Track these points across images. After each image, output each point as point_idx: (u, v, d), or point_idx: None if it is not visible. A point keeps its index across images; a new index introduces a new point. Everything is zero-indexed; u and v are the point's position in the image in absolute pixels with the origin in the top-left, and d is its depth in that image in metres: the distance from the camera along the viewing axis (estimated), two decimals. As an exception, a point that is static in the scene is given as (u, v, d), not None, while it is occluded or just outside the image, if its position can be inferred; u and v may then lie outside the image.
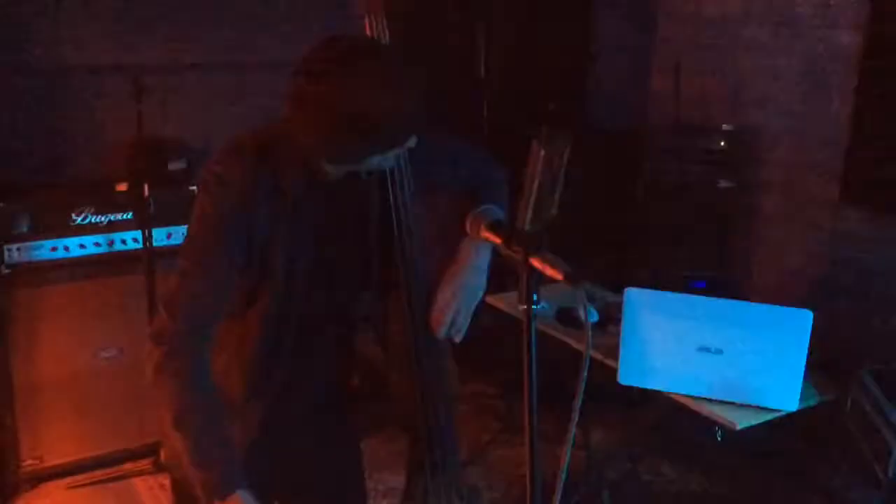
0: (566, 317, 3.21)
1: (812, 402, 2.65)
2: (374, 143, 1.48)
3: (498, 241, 1.35)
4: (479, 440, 3.79)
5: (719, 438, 3.60)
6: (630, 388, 2.74)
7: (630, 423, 3.46)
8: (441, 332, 1.71)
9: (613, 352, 2.76)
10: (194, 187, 3.30)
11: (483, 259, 1.74)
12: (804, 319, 2.41)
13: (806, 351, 2.43)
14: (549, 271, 1.27)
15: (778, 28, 4.45)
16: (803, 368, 2.46)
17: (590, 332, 1.26)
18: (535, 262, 1.28)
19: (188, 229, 1.59)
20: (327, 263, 1.66)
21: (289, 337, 1.69)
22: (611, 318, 3.08)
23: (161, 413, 1.55)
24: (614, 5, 4.88)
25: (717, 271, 4.61)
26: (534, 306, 1.28)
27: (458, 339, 1.74)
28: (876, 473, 2.13)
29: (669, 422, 3.54)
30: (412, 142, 1.53)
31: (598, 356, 2.88)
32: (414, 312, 1.70)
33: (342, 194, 1.63)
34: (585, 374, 1.25)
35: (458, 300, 1.71)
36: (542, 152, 4.57)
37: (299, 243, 1.61)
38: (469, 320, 1.74)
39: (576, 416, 1.27)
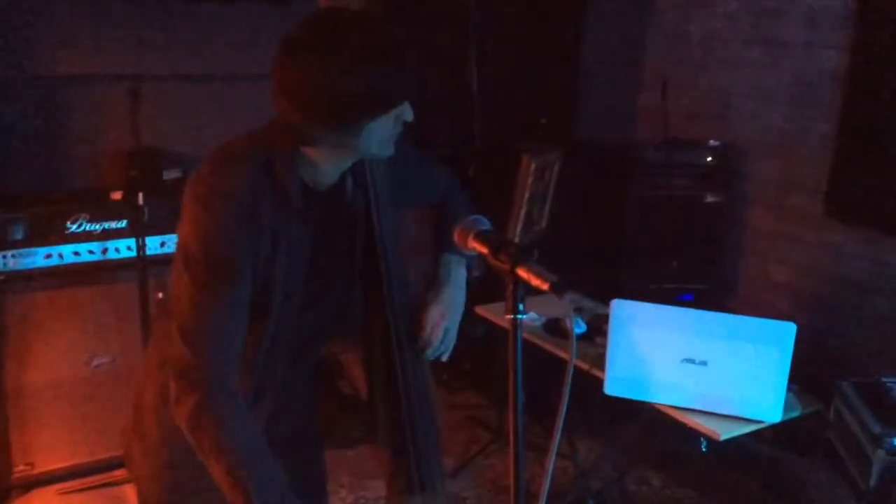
0: (554, 327, 3.25)
1: (795, 414, 2.69)
2: (395, 74, 1.42)
3: (485, 251, 1.38)
4: (468, 450, 3.82)
5: (704, 449, 3.65)
6: (617, 398, 2.78)
7: (617, 434, 3.49)
8: (432, 353, 1.72)
9: (600, 362, 2.80)
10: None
11: (462, 275, 1.74)
12: (788, 332, 2.46)
13: (789, 363, 2.47)
14: (536, 282, 1.30)
15: (765, 47, 4.53)
16: (787, 380, 2.50)
17: (574, 343, 1.29)
18: (522, 273, 1.31)
19: (186, 249, 1.47)
20: (320, 279, 1.62)
21: (282, 358, 1.62)
22: (598, 329, 3.12)
23: (208, 463, 1.44)
24: (604, 22, 4.95)
25: (705, 284, 4.66)
26: (520, 316, 1.31)
27: (445, 358, 1.75)
28: (858, 484, 2.17)
29: (656, 432, 3.57)
30: (409, 114, 1.50)
31: (585, 367, 2.92)
32: (397, 330, 1.67)
33: (332, 206, 1.60)
34: (570, 383, 1.28)
35: (446, 320, 1.72)
36: (533, 166, 4.62)
37: (298, 256, 1.55)
38: (455, 338, 1.76)
39: (560, 426, 1.30)
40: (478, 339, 3.72)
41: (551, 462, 1.30)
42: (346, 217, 1.63)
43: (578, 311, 3.46)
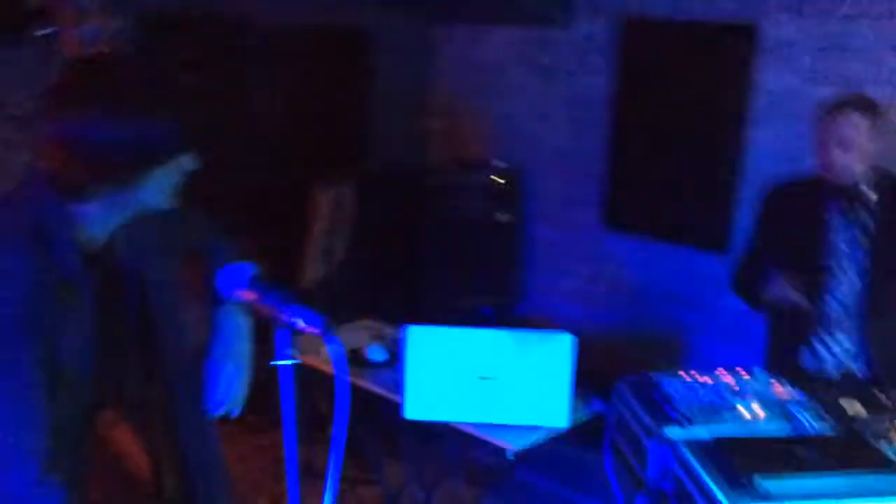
0: (356, 357, 3.27)
1: (583, 417, 2.88)
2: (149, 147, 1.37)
3: (252, 297, 1.38)
4: (278, 489, 3.75)
5: (510, 457, 3.80)
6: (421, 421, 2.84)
7: (426, 455, 3.57)
8: (223, 410, 1.66)
9: (402, 388, 2.85)
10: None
11: (242, 323, 1.67)
12: (566, 342, 2.63)
13: (570, 370, 2.64)
14: (303, 325, 1.31)
15: (541, 73, 4.83)
16: (570, 387, 2.67)
17: (344, 369, 1.30)
18: (289, 317, 1.32)
19: None
20: (102, 346, 1.51)
21: (71, 433, 1.50)
22: (400, 354, 3.18)
23: None
24: (391, 51, 5.08)
25: (501, 298, 4.89)
26: (291, 361, 1.32)
27: (235, 413, 1.69)
28: (637, 473, 2.35)
29: (468, 448, 3.68)
30: (191, 163, 1.44)
31: (385, 393, 2.97)
32: (178, 396, 1.60)
33: (106, 268, 1.50)
34: (345, 409, 1.30)
35: (241, 375, 1.67)
36: (327, 199, 4.66)
37: (83, 329, 1.45)
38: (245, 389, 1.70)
39: (337, 448, 1.31)
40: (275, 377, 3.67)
41: (328, 489, 1.31)
42: (119, 278, 1.54)
43: (380, 338, 3.51)
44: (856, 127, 2.59)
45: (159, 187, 1.42)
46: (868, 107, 2.63)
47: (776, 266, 2.95)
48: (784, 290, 2.75)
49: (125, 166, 1.37)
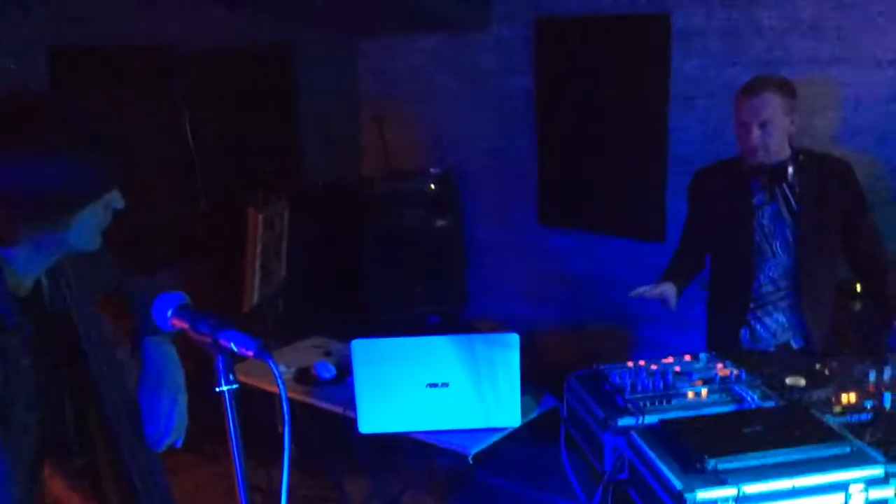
0: (306, 376, 3.24)
1: (534, 415, 2.89)
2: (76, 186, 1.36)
3: (185, 325, 1.35)
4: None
5: (471, 461, 3.81)
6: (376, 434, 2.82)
7: (386, 467, 3.55)
8: (166, 444, 1.64)
9: (353, 404, 2.83)
10: None
11: (174, 352, 1.67)
12: (512, 342, 2.63)
13: (517, 370, 2.65)
14: (240, 349, 1.29)
15: (464, 77, 4.86)
16: (518, 386, 2.68)
17: (283, 391, 1.28)
18: (224, 343, 1.30)
19: None
20: (43, 392, 1.48)
21: (22, 479, 1.48)
22: (348, 370, 3.15)
23: None
24: (316, 65, 5.05)
25: (447, 304, 4.89)
26: (230, 387, 1.30)
27: (179, 444, 1.67)
28: (595, 466, 2.37)
29: (429, 456, 3.67)
30: (119, 202, 1.44)
31: (338, 409, 2.94)
32: (117, 433, 1.57)
33: (35, 312, 1.48)
34: (288, 428, 1.28)
35: (178, 404, 1.65)
36: (261, 217, 4.55)
37: (21, 376, 1.43)
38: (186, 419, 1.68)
39: (286, 466, 1.32)
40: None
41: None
42: (49, 321, 1.51)
43: (327, 354, 3.48)
44: (773, 107, 2.67)
45: (87, 227, 1.41)
46: (783, 86, 2.71)
47: (707, 248, 3.02)
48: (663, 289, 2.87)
49: (52, 208, 1.35)
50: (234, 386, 1.32)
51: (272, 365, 1.29)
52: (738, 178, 2.83)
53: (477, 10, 4.62)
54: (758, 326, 2.88)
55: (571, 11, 4.26)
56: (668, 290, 2.87)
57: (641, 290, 2.86)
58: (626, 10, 4.06)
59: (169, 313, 1.38)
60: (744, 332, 2.89)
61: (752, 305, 2.86)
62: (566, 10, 4.28)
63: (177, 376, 1.66)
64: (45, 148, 1.32)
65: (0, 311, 1.38)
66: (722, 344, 2.85)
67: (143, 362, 1.64)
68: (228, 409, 1.30)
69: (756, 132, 2.68)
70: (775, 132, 2.69)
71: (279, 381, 1.28)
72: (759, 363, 2.50)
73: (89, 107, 1.40)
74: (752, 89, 2.70)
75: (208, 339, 1.32)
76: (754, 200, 2.82)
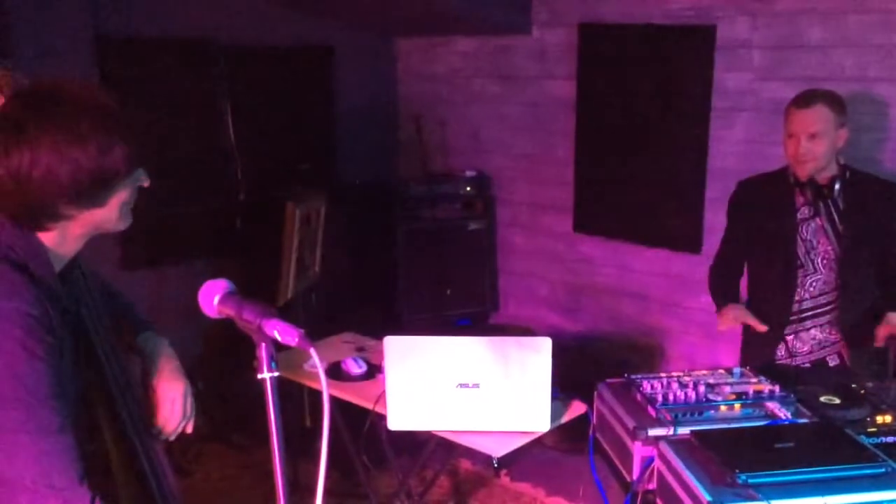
0: (337, 371, 3.26)
1: (563, 420, 2.89)
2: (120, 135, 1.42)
3: (232, 312, 1.38)
4: (264, 508, 3.72)
5: (496, 465, 3.81)
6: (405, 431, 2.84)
7: (411, 465, 3.56)
8: (177, 430, 1.68)
9: (384, 400, 2.85)
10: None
11: (167, 344, 1.73)
12: (545, 346, 2.63)
13: (550, 374, 2.65)
14: (283, 337, 1.31)
15: (503, 81, 4.87)
16: (550, 390, 2.68)
17: (325, 388, 1.30)
18: (269, 330, 1.32)
19: None
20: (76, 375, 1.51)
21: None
22: (379, 367, 3.18)
23: None
24: (356, 65, 5.09)
25: (478, 307, 4.90)
26: (273, 374, 1.32)
27: (190, 430, 1.71)
28: (623, 476, 2.36)
29: (450, 456, 3.69)
30: (146, 179, 1.50)
31: (368, 405, 2.96)
32: (123, 416, 1.59)
33: (70, 294, 1.52)
34: (327, 424, 1.29)
35: (184, 391, 1.69)
36: (298, 212, 4.60)
37: (66, 353, 1.46)
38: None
39: (324, 453, 1.33)
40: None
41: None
42: (67, 311, 1.53)
43: (360, 350, 3.50)
44: (823, 119, 2.65)
45: (118, 205, 1.47)
46: (834, 100, 2.69)
47: (747, 261, 3.00)
48: (738, 314, 2.87)
49: (89, 186, 1.40)
50: (276, 374, 1.34)
51: (314, 354, 1.31)
52: (783, 192, 2.81)
53: (518, 13, 4.62)
54: (795, 342, 2.86)
55: (614, 18, 4.25)
56: (741, 312, 2.89)
57: (727, 325, 2.90)
58: (670, 21, 4.05)
59: (215, 300, 1.40)
60: (780, 348, 2.87)
61: (791, 320, 2.83)
62: (609, 17, 4.28)
63: (177, 364, 1.70)
64: (78, 127, 1.37)
65: (57, 290, 1.42)
66: (757, 359, 2.83)
67: (144, 356, 1.69)
68: (269, 396, 1.32)
69: (805, 143, 2.67)
70: (823, 145, 2.67)
71: (320, 369, 1.30)
72: (793, 379, 2.48)
73: (104, 89, 1.46)
74: (803, 101, 2.70)
75: (253, 327, 1.34)
76: (797, 214, 2.80)
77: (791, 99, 2.75)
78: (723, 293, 2.99)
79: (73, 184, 1.38)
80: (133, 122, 1.45)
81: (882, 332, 2.67)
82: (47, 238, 1.45)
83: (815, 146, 2.67)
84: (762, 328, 2.83)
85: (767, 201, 2.87)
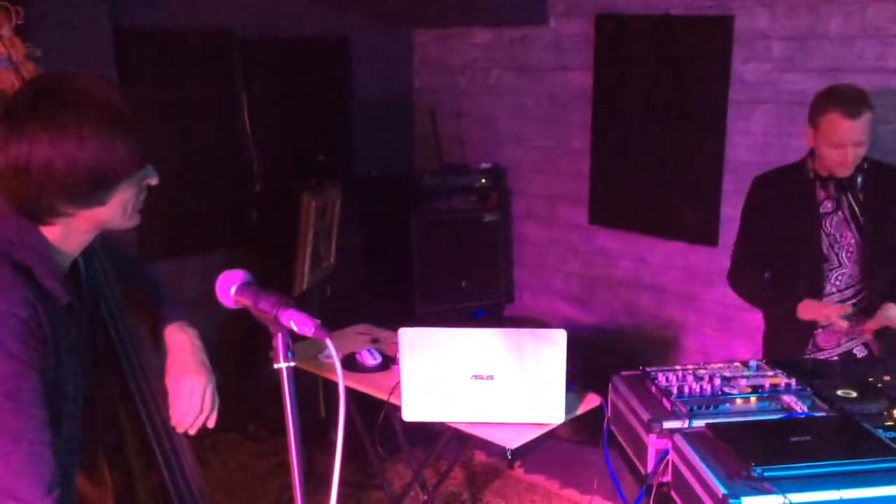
0: (350, 362, 3.28)
1: (578, 412, 2.89)
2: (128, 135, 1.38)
3: (248, 302, 1.38)
4: (280, 498, 3.75)
5: (510, 457, 3.82)
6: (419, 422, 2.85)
7: (426, 456, 3.58)
8: (199, 423, 1.67)
9: (398, 391, 2.86)
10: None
11: (195, 336, 1.71)
12: (560, 338, 2.63)
13: (564, 366, 2.65)
14: (300, 328, 1.32)
15: (519, 72, 4.85)
16: (564, 382, 2.68)
17: (341, 377, 1.31)
18: (285, 320, 1.32)
19: None
20: (84, 374, 1.52)
21: (71, 466, 1.51)
22: (394, 358, 3.19)
23: None
24: (372, 57, 5.09)
25: (493, 299, 4.90)
26: (289, 364, 1.33)
27: (212, 424, 1.70)
28: (638, 468, 2.36)
29: (463, 447, 3.69)
30: (154, 177, 1.47)
31: (383, 396, 2.97)
32: (150, 414, 1.61)
33: (76, 290, 1.51)
34: (343, 414, 1.30)
35: (210, 384, 1.68)
36: (314, 204, 4.62)
37: (74, 350, 1.46)
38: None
39: (339, 453, 1.34)
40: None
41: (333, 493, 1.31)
42: (83, 300, 1.54)
43: (375, 341, 3.52)
44: (868, 126, 2.62)
45: (122, 204, 1.43)
46: (871, 102, 2.64)
47: (769, 257, 2.95)
48: (819, 310, 2.75)
49: (88, 185, 1.37)
50: (293, 363, 1.34)
51: (329, 344, 1.32)
52: (803, 186, 2.78)
53: (535, 5, 4.60)
54: (821, 335, 2.83)
55: (631, 9, 4.23)
56: (830, 308, 2.75)
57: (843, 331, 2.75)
58: (688, 11, 4.01)
59: (232, 290, 1.40)
60: (807, 341, 2.85)
61: None
62: (626, 8, 4.25)
63: (202, 358, 1.69)
64: (79, 125, 1.33)
65: (53, 290, 1.40)
66: (781, 353, 2.81)
67: (168, 349, 1.67)
68: (286, 386, 1.33)
69: (853, 151, 2.63)
70: (866, 147, 2.65)
71: (336, 360, 1.31)
72: (810, 373, 2.46)
73: (115, 86, 1.42)
74: (853, 110, 2.58)
75: (269, 317, 1.35)
76: (821, 209, 2.77)
77: (830, 103, 2.63)
78: (768, 297, 2.92)
79: (70, 182, 1.35)
80: (143, 121, 1.41)
81: (871, 326, 2.66)
82: (51, 233, 1.42)
83: (861, 151, 2.64)
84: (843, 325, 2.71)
85: (787, 197, 2.83)
